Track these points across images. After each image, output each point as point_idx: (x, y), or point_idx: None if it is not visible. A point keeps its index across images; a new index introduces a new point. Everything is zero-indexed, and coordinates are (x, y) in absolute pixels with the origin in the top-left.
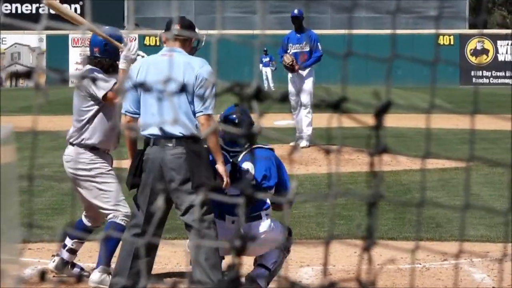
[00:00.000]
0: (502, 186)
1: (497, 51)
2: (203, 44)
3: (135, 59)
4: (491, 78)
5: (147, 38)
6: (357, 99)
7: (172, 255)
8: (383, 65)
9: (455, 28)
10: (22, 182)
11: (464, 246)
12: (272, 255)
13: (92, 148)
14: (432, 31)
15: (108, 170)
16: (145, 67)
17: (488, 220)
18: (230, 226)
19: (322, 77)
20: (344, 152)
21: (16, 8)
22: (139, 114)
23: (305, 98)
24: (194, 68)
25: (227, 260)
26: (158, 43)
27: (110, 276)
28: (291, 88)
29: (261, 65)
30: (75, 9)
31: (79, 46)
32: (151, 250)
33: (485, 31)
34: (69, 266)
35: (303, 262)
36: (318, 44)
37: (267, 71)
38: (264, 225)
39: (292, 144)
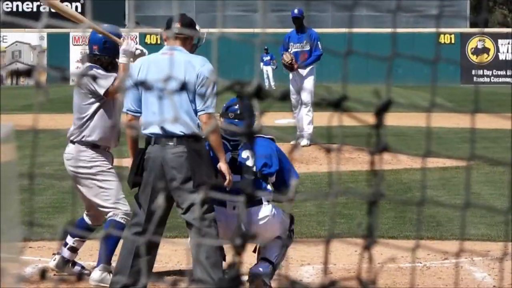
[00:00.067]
0: (502, 185)
1: (498, 50)
2: (203, 41)
3: (134, 53)
4: (492, 77)
5: (148, 36)
6: (358, 97)
7: (173, 254)
8: (384, 63)
9: (456, 26)
10: (22, 180)
11: (465, 245)
12: (274, 248)
13: (93, 146)
14: (433, 29)
15: (109, 168)
16: (146, 66)
17: (489, 219)
18: (231, 212)
19: (322, 75)
20: (345, 150)
21: (17, 6)
22: (140, 112)
23: (306, 96)
24: (195, 67)
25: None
26: (159, 41)
27: (111, 275)
28: (291, 87)
29: (261, 63)
30: (76, 8)
31: (80, 44)
32: (152, 248)
33: (486, 30)
34: (70, 265)
35: (303, 260)
36: (319, 43)
37: (268, 70)
38: (265, 210)
39: (292, 142)
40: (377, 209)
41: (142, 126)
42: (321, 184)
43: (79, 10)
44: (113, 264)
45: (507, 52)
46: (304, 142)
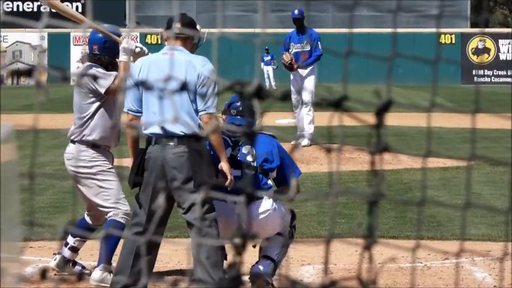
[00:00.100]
0: (503, 185)
1: (498, 50)
2: (204, 41)
3: (134, 51)
4: (492, 77)
5: (148, 36)
6: (358, 97)
7: (174, 254)
8: (384, 63)
9: (457, 27)
10: (23, 180)
11: (465, 245)
12: (276, 245)
13: (93, 146)
14: (434, 29)
15: (109, 168)
16: (146, 66)
17: (489, 219)
18: (231, 206)
19: (323, 75)
20: (345, 150)
21: (18, 6)
22: (141, 112)
23: (306, 96)
24: (196, 67)
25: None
26: (159, 41)
27: (111, 275)
28: (292, 87)
29: (262, 63)
30: (77, 8)
31: (81, 44)
32: (153, 248)
33: (487, 30)
34: (71, 264)
35: (304, 260)
36: (319, 43)
37: (268, 70)
38: (266, 204)
39: (293, 142)
40: (377, 209)
41: (142, 126)
42: (321, 184)
43: (80, 10)
44: (114, 264)
45: (508, 52)
46: (305, 142)
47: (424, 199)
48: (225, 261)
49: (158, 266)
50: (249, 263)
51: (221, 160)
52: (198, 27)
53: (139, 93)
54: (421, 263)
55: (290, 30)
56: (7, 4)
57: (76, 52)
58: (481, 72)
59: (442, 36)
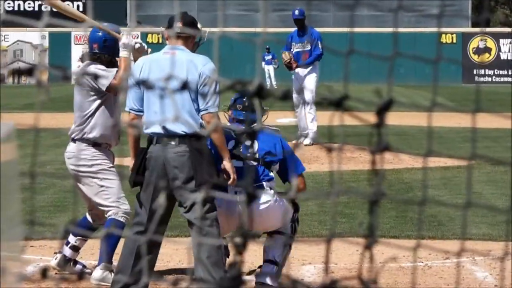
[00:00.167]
0: (504, 184)
1: (499, 50)
2: (205, 40)
3: (134, 47)
4: (493, 77)
5: (149, 35)
6: (359, 97)
7: (174, 253)
8: (385, 63)
9: (458, 26)
10: (24, 179)
11: (466, 245)
12: (278, 247)
13: (94, 144)
14: (435, 29)
15: (110, 167)
16: (148, 65)
17: (490, 218)
18: (232, 198)
19: (324, 75)
20: (346, 150)
21: (19, 5)
22: (143, 112)
23: (308, 95)
24: (197, 66)
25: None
26: (160, 41)
27: (112, 274)
28: (293, 86)
29: (263, 63)
30: (78, 7)
31: (82, 44)
32: (154, 248)
33: (488, 29)
34: (71, 263)
35: (305, 260)
36: (319, 42)
37: (269, 69)
38: (267, 195)
39: (294, 142)
40: (378, 208)
41: (144, 126)
42: (322, 184)
43: (81, 9)
44: (115, 263)
45: (509, 51)
46: (307, 141)
47: (425, 198)
48: (228, 258)
49: (159, 265)
50: (249, 262)
51: (223, 159)
52: (199, 26)
53: (141, 92)
54: (422, 262)
55: (291, 29)
56: (8, 3)
57: (77, 51)
58: (482, 71)
59: (443, 35)
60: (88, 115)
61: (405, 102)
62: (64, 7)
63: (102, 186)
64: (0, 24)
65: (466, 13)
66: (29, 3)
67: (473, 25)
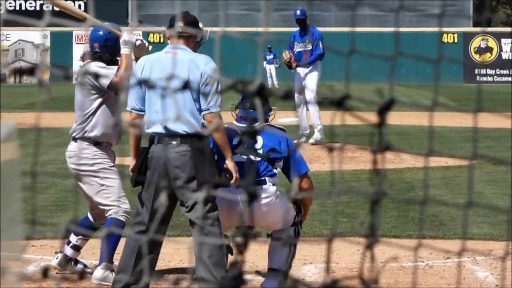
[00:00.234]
0: (505, 184)
1: (501, 49)
2: (207, 39)
3: (135, 44)
4: (494, 76)
5: (151, 35)
6: (361, 96)
7: (175, 252)
8: (387, 62)
9: (459, 26)
10: (25, 178)
11: (467, 244)
12: (282, 254)
13: (95, 143)
14: (436, 29)
15: (111, 166)
16: (149, 65)
17: (492, 218)
18: (236, 190)
19: (325, 74)
20: (347, 149)
21: (20, 4)
22: (144, 111)
23: (309, 94)
24: (199, 66)
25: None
26: (162, 40)
27: (113, 273)
28: (295, 85)
29: (265, 62)
30: (79, 6)
31: (83, 43)
32: (155, 247)
33: (489, 29)
34: (73, 263)
35: (306, 259)
36: (320, 42)
37: (271, 69)
38: (269, 190)
39: (295, 141)
40: (379, 208)
41: (145, 125)
42: (323, 183)
43: (82, 9)
44: (116, 262)
45: (510, 51)
46: (314, 138)
47: (426, 198)
48: (231, 255)
49: (160, 265)
50: (251, 262)
51: (226, 158)
52: (200, 25)
53: (142, 91)
54: (423, 262)
55: (292, 29)
56: (10, 3)
57: (79, 50)
58: (483, 71)
59: (445, 35)
60: (89, 114)
61: (407, 102)
62: (65, 5)
63: (102, 185)
64: (1, 24)
65: (467, 12)
66: (30, 3)
67: (475, 25)
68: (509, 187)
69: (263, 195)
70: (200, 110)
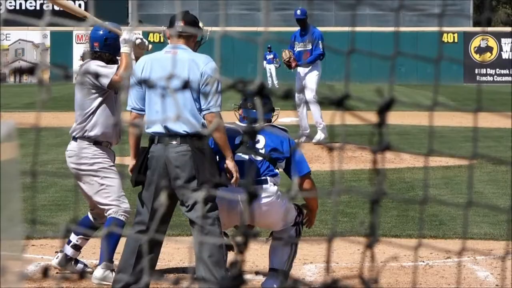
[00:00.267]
0: (505, 184)
1: (501, 49)
2: (207, 39)
3: (135, 42)
4: (494, 76)
5: (151, 34)
6: (360, 96)
7: (175, 252)
8: (387, 62)
9: (459, 25)
10: (25, 178)
11: (467, 244)
12: (283, 254)
13: (95, 142)
14: (436, 28)
15: (110, 166)
16: (149, 64)
17: (492, 218)
18: (236, 189)
19: (325, 74)
20: (347, 149)
21: (20, 4)
22: (144, 111)
23: (309, 94)
24: (199, 66)
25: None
26: (162, 40)
27: (113, 273)
28: (296, 85)
29: (265, 62)
30: (79, 6)
31: (83, 43)
32: (155, 247)
33: (489, 29)
34: (73, 263)
35: (306, 259)
36: (320, 42)
37: (271, 68)
38: (270, 189)
39: (295, 141)
40: (379, 207)
41: (145, 125)
42: (323, 183)
43: (82, 8)
44: (116, 262)
45: (510, 51)
46: (318, 136)
47: (426, 197)
48: (231, 251)
49: (160, 264)
50: (251, 262)
51: (226, 158)
52: (201, 25)
53: (142, 91)
54: (423, 262)
55: (292, 29)
56: (10, 2)
57: (79, 50)
58: (483, 71)
59: (445, 35)
60: (89, 113)
61: (407, 102)
62: (66, 4)
63: (102, 184)
64: (1, 23)
65: (467, 12)
66: (30, 2)
67: (475, 25)
68: (509, 187)
69: (263, 195)
70: (200, 110)
